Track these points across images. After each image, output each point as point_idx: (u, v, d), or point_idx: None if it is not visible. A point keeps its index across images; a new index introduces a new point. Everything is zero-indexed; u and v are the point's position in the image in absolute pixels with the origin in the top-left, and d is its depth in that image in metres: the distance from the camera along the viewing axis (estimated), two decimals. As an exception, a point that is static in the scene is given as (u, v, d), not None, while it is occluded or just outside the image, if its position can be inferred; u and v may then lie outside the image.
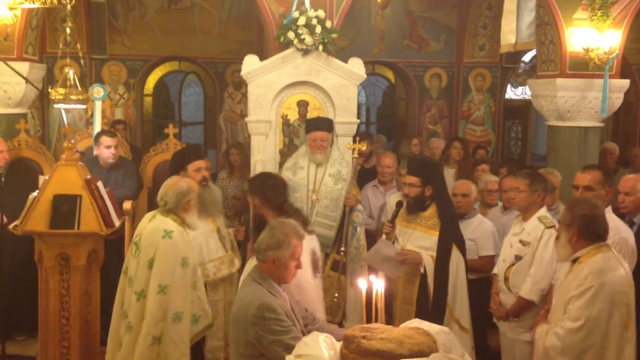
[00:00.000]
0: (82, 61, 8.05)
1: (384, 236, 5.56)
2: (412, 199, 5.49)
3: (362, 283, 3.61)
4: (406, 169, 5.85)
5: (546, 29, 7.73)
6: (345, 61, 7.00)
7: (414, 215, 5.53)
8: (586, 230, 4.09)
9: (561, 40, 7.64)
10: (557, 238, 4.31)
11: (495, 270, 5.46)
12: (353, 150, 6.32)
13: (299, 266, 3.88)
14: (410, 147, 9.47)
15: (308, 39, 6.75)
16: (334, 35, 6.95)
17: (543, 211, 5.16)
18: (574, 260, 4.14)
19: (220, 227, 5.56)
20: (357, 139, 6.45)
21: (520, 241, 5.11)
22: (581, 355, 3.99)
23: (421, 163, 5.74)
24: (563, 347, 4.02)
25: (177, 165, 5.52)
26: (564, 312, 4.08)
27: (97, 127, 7.61)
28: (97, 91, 7.75)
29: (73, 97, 6.11)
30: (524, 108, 12.65)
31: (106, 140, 6.98)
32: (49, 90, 6.24)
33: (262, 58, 7.01)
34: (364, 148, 6.55)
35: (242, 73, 6.90)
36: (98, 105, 7.73)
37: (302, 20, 6.77)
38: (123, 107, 10.85)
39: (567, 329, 4.01)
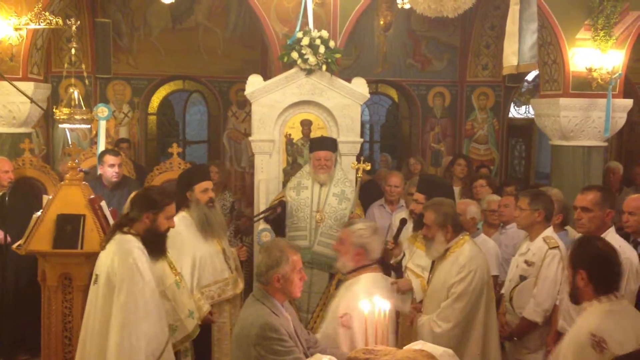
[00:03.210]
0: (86, 81, 8.08)
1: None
2: (417, 216, 5.54)
3: (365, 304, 3.59)
4: (417, 188, 5.86)
5: (549, 49, 7.76)
6: (349, 81, 7.03)
7: (417, 233, 5.57)
8: (456, 225, 4.89)
9: (564, 60, 7.67)
10: (432, 239, 4.89)
11: (502, 291, 5.45)
12: (357, 170, 6.33)
13: (302, 277, 3.87)
14: (409, 167, 9.46)
15: (311, 59, 6.79)
16: (338, 55, 6.99)
17: (549, 231, 5.12)
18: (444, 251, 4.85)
19: (226, 248, 5.54)
20: (362, 158, 6.46)
21: (526, 261, 5.09)
22: None
23: (430, 182, 5.84)
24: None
25: (184, 185, 5.49)
26: (447, 296, 4.74)
27: (101, 146, 7.63)
28: (102, 111, 7.78)
29: (77, 117, 6.15)
30: (527, 127, 12.65)
31: (110, 159, 6.99)
32: (54, 110, 6.27)
33: (265, 77, 7.05)
34: (369, 168, 6.57)
35: (246, 92, 6.94)
36: (102, 124, 7.75)
37: (305, 41, 6.81)
38: (127, 125, 10.90)
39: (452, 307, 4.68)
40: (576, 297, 3.55)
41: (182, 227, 5.18)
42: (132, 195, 4.76)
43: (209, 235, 5.32)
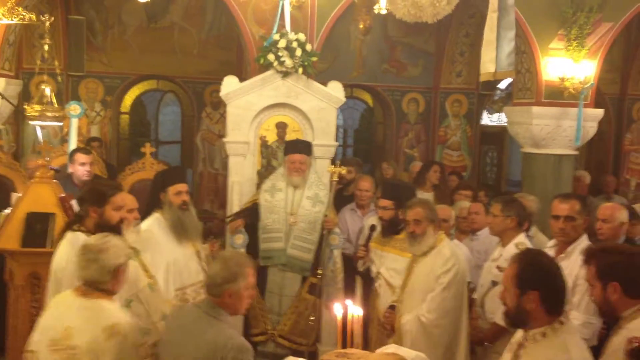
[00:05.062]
0: (59, 78, 7.97)
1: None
2: (387, 222, 5.65)
3: (337, 307, 3.58)
4: (382, 194, 5.91)
5: (523, 58, 7.86)
6: (325, 84, 7.03)
7: (388, 238, 5.68)
8: (439, 222, 5.14)
9: (537, 69, 7.77)
10: (423, 234, 5.04)
11: (474, 296, 5.49)
12: (333, 173, 6.34)
13: (251, 296, 3.70)
14: (382, 171, 9.50)
15: (288, 62, 6.78)
16: (314, 59, 6.99)
17: (521, 237, 5.17)
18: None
19: (200, 251, 5.49)
20: (338, 162, 6.48)
21: (498, 267, 5.13)
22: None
23: (395, 187, 5.97)
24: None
25: (158, 186, 5.43)
26: (434, 287, 4.89)
27: (73, 144, 7.52)
28: (74, 108, 7.68)
29: (49, 114, 6.05)
30: (499, 134, 12.80)
31: (81, 157, 6.89)
32: (25, 106, 6.17)
33: (241, 79, 7.02)
34: (344, 172, 6.58)
35: (221, 94, 6.89)
36: (74, 122, 7.65)
37: (282, 43, 6.80)
38: (99, 124, 10.77)
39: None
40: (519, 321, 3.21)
41: (156, 228, 5.13)
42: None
43: (183, 238, 5.27)
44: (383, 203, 5.70)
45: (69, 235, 4.30)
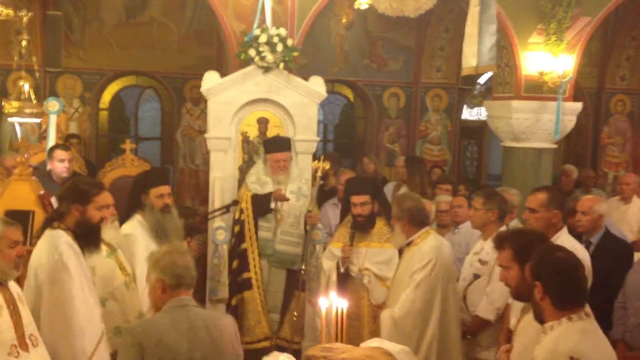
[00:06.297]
0: (37, 74, 7.87)
1: None
2: (366, 217, 5.63)
3: (323, 301, 3.59)
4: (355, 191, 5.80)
5: (502, 53, 7.90)
6: (306, 79, 7.02)
7: (365, 234, 5.66)
8: (414, 220, 4.97)
9: (517, 63, 7.82)
10: (392, 229, 5.11)
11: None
12: (317, 169, 6.34)
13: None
14: (363, 166, 9.51)
15: (269, 57, 6.75)
16: (295, 54, 6.97)
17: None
18: (409, 244, 5.02)
19: None
20: (321, 157, 6.47)
21: (479, 260, 5.17)
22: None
23: (364, 181, 6.00)
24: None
25: (139, 187, 5.33)
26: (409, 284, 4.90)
27: (51, 141, 7.43)
28: (52, 105, 7.56)
29: (27, 110, 6.00)
30: (479, 129, 12.87)
31: (60, 154, 6.82)
32: (3, 103, 6.09)
33: (221, 74, 6.98)
34: (328, 167, 6.57)
35: (202, 89, 6.85)
36: (53, 119, 7.54)
37: (263, 38, 6.77)
38: (78, 121, 10.67)
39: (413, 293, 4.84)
40: (537, 314, 3.23)
41: (138, 232, 5.09)
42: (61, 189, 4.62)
43: (164, 242, 5.18)
44: (361, 199, 5.62)
45: (49, 232, 4.24)
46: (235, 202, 6.40)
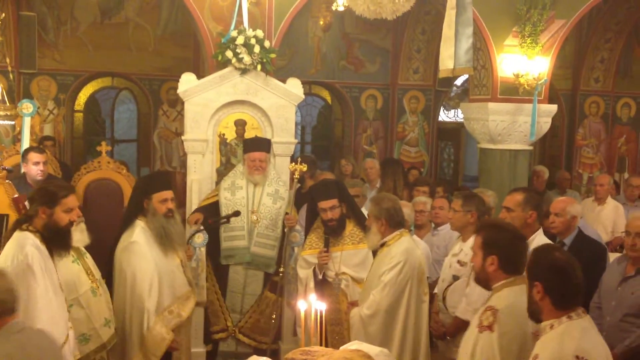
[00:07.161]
0: (10, 75, 7.75)
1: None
2: (337, 221, 5.62)
3: (301, 304, 3.58)
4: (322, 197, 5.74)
5: (478, 55, 7.96)
6: (283, 81, 7.01)
7: (337, 238, 5.66)
8: (391, 220, 4.99)
9: (492, 65, 7.88)
10: (369, 229, 5.08)
11: (435, 290, 5.54)
12: (294, 171, 6.32)
13: None
14: (340, 168, 9.51)
15: (246, 58, 6.73)
16: (273, 55, 6.96)
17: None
18: (382, 245, 5.05)
19: (183, 259, 5.36)
20: (298, 159, 6.45)
21: (459, 262, 5.20)
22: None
23: (329, 185, 5.85)
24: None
25: (141, 192, 5.22)
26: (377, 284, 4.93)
27: (26, 143, 7.34)
28: (26, 107, 7.47)
29: (1, 112, 5.93)
30: (456, 130, 12.96)
31: (34, 156, 6.74)
32: (-25, 105, 6.00)
33: (198, 76, 6.95)
34: (305, 169, 6.55)
35: (178, 91, 6.81)
36: (27, 121, 7.45)
37: (240, 40, 6.74)
38: (52, 123, 10.53)
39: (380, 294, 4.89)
40: (534, 313, 3.28)
41: (143, 239, 5.00)
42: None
43: (169, 248, 5.11)
44: (330, 204, 5.57)
45: (17, 234, 4.19)
46: (237, 213, 6.29)
